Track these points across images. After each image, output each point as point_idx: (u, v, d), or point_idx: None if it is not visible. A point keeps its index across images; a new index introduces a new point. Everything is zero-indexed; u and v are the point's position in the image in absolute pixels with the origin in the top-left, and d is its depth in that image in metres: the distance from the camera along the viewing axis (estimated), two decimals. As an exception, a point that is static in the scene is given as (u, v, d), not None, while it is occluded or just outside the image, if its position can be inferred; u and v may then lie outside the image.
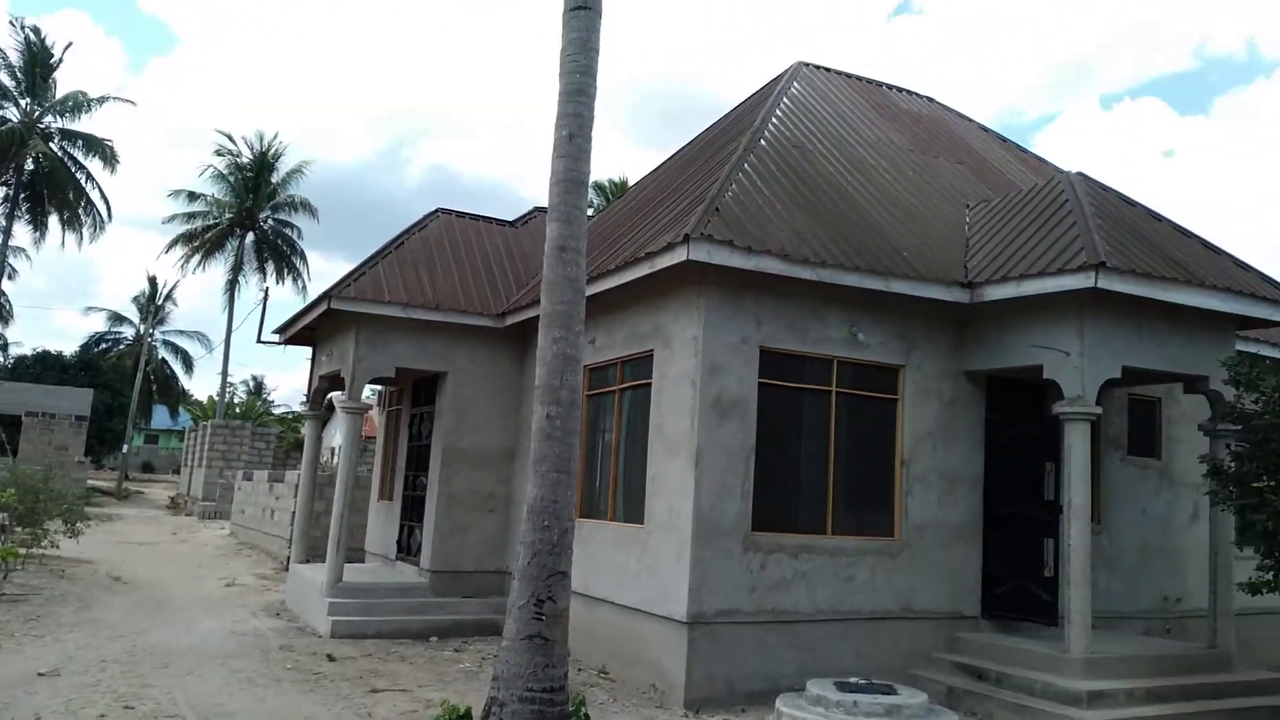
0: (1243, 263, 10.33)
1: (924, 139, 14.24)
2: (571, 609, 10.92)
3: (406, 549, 14.01)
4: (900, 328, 10.11)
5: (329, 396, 14.98)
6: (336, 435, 50.92)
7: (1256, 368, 8.43)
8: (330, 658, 10.20)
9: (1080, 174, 11.00)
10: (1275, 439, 7.51)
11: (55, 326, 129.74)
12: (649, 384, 9.97)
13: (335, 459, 41.31)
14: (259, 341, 13.32)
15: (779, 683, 8.87)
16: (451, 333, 12.75)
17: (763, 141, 11.35)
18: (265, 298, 14.57)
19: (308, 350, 14.85)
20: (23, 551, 15.46)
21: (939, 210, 11.75)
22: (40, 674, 8.67)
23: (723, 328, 9.22)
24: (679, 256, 8.79)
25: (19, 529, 15.99)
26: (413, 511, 13.89)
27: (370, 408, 12.72)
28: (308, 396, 14.49)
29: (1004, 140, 16.19)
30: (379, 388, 16.33)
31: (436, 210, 14.93)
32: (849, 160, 12.06)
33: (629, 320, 10.47)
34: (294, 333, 14.07)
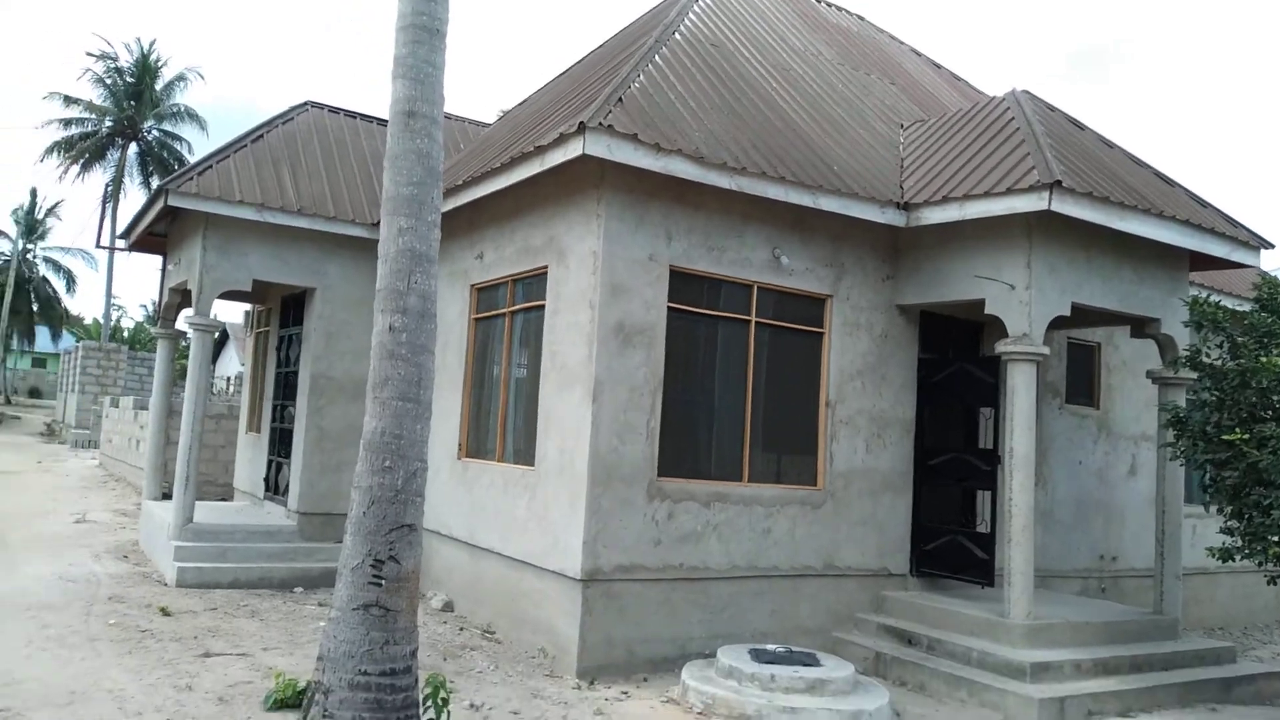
0: (1199, 197, 9.47)
1: (854, 55, 13.02)
2: (457, 560, 9.90)
3: (275, 487, 12.54)
4: (829, 253, 8.97)
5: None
6: (232, 362, 48.35)
7: (1219, 308, 7.54)
8: (164, 612, 8.78)
9: (1026, 92, 9.96)
10: (1253, 385, 6.60)
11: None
12: (542, 306, 8.65)
13: (231, 388, 38.99)
14: (98, 246, 11.54)
15: (686, 647, 7.88)
16: (320, 242, 11.11)
17: (677, 35, 9.98)
18: (105, 197, 12.62)
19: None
20: None
21: (871, 127, 10.59)
22: None
23: (626, 241, 7.92)
24: (574, 150, 7.43)
25: None
26: (281, 446, 12.39)
27: (223, 325, 11.05)
28: (158, 312, 12.71)
29: (938, 65, 15.09)
30: (248, 307, 14.62)
31: (305, 103, 12.99)
32: (773, 65, 10.77)
33: (521, 231, 9.09)
34: (139, 237, 12.19)
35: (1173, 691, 7.81)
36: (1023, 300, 8.12)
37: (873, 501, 9.09)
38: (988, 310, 8.40)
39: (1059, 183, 7.67)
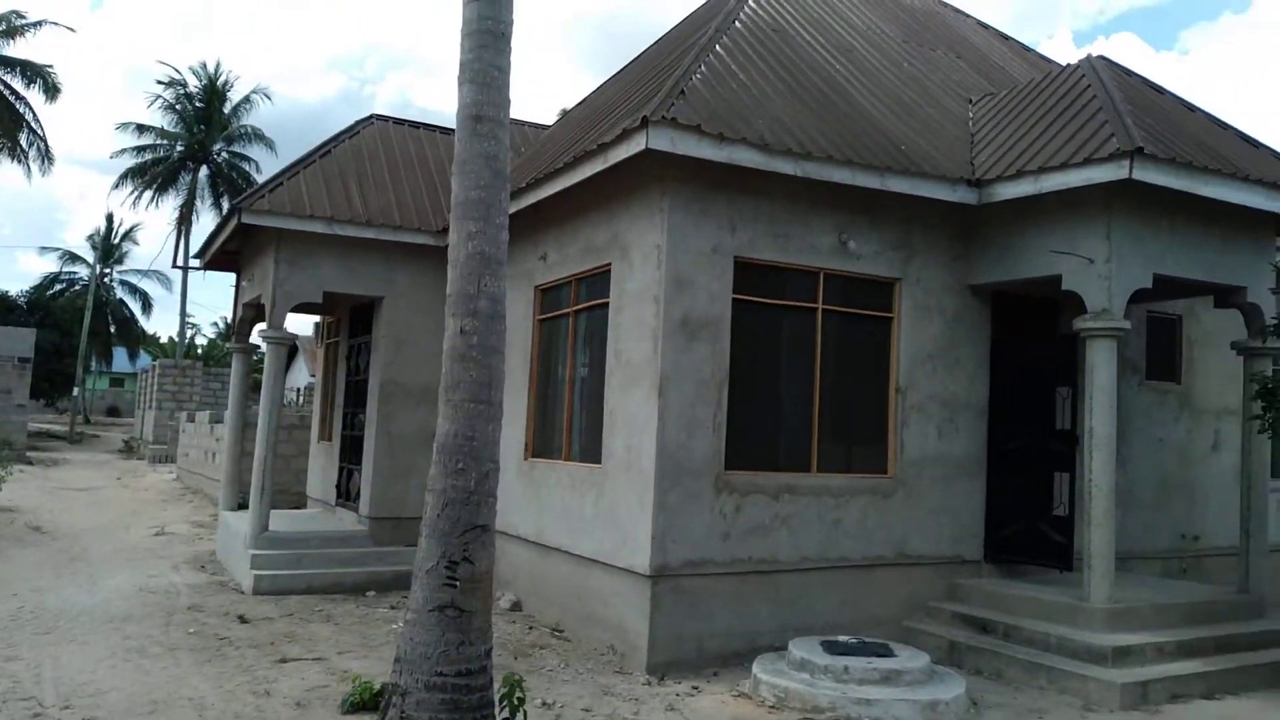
0: (1285, 157, 9.02)
1: (918, 31, 12.72)
2: (524, 560, 9.91)
3: (346, 494, 12.69)
4: (897, 235, 8.74)
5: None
6: (301, 375, 49.41)
7: (1314, 273, 7.16)
8: (242, 619, 8.93)
9: (1103, 58, 9.61)
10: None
11: (20, 270, 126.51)
12: (606, 304, 8.58)
13: (300, 400, 39.79)
14: (174, 266, 11.80)
15: (757, 641, 7.73)
16: (388, 252, 11.23)
17: (737, 24, 9.83)
18: (180, 219, 12.94)
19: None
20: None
21: (939, 104, 10.31)
22: (-108, 646, 7.34)
23: (690, 234, 7.80)
24: (637, 146, 7.34)
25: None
26: (352, 453, 12.54)
27: (295, 338, 11.20)
28: (231, 327, 12.97)
29: (1005, 37, 14.67)
30: (318, 319, 14.86)
31: (370, 116, 13.18)
32: (837, 47, 10.56)
33: (584, 230, 9.03)
34: (213, 255, 12.47)
35: (1260, 672, 7.53)
36: (1102, 274, 7.81)
37: (945, 488, 8.85)
38: (1065, 286, 8.10)
39: (1140, 150, 7.36)
